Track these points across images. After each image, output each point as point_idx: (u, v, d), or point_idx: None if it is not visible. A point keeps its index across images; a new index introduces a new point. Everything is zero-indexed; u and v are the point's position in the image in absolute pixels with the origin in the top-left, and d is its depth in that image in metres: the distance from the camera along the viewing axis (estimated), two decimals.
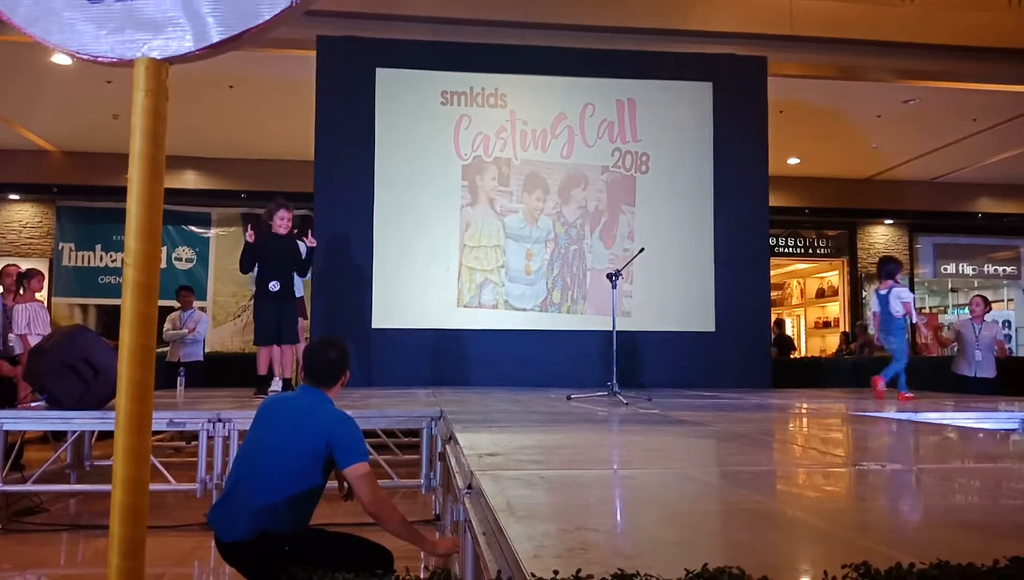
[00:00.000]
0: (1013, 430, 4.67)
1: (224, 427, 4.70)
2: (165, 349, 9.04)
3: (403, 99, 8.16)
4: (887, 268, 6.84)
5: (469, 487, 2.19)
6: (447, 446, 3.38)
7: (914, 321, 6.74)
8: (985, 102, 10.16)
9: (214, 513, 2.81)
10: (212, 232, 12.76)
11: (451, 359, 7.76)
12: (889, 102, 10.34)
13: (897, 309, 6.49)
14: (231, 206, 12.64)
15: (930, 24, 8.76)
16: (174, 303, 9.27)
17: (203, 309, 12.24)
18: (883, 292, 6.69)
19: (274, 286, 5.86)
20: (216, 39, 1.29)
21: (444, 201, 8.13)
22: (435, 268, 8.00)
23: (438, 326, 7.88)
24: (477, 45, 8.25)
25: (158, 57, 1.32)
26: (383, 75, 8.13)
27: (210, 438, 4.73)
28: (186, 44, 1.30)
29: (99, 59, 1.34)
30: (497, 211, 8.20)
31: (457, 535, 2.49)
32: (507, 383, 7.51)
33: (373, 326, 7.79)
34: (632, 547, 1.43)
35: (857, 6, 8.76)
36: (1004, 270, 15.47)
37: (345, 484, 3.17)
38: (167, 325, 8.83)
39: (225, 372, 8.97)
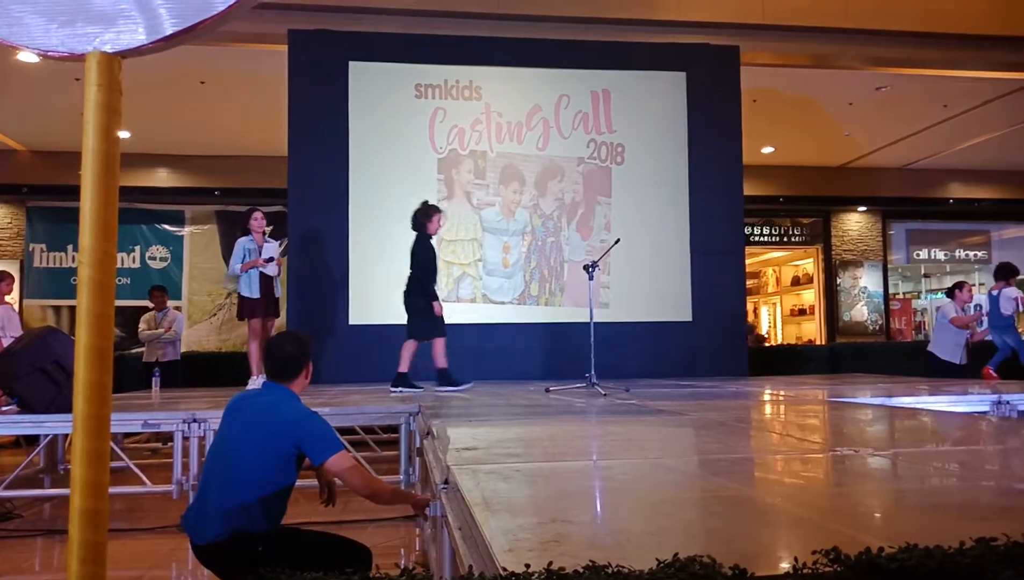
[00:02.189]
0: (984, 412, 4.74)
1: (200, 427, 4.65)
2: (141, 350, 8.94)
3: (377, 92, 8.10)
4: (1002, 271, 7.61)
5: (446, 482, 2.19)
6: (425, 441, 3.37)
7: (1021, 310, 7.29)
8: (955, 88, 10.27)
9: (187, 517, 2.78)
10: (186, 230, 12.62)
11: (430, 354, 7.72)
12: (861, 90, 10.43)
13: (1006, 308, 6.97)
14: (205, 204, 12.51)
15: (901, 11, 8.83)
16: (148, 303, 9.16)
17: (178, 309, 12.12)
18: (995, 293, 7.34)
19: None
20: (169, 31, 1.26)
21: (420, 195, 8.04)
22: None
23: None
24: (451, 37, 8.20)
25: (110, 51, 1.29)
26: (356, 68, 8.07)
27: (186, 439, 4.68)
28: (139, 37, 1.27)
29: (49, 53, 1.31)
30: (473, 204, 8.18)
31: (436, 530, 2.48)
32: (486, 377, 7.50)
33: (350, 322, 7.75)
34: (607, 538, 1.42)
35: None
36: (975, 255, 15.69)
37: (325, 490, 3.14)
38: (142, 325, 8.73)
39: (202, 372, 8.91)
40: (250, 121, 10.46)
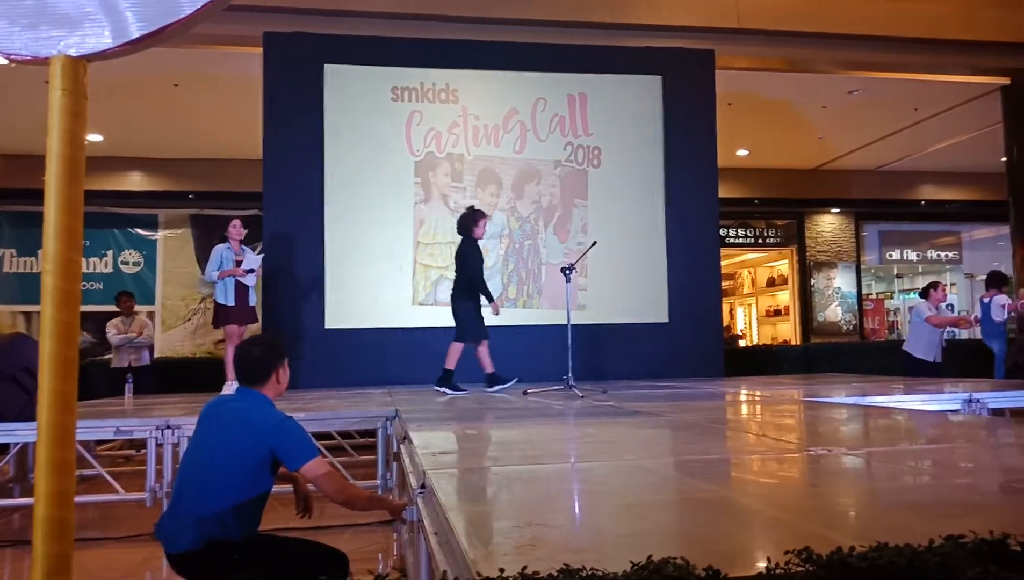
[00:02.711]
0: (956, 411, 4.81)
1: (174, 434, 4.60)
2: (109, 356, 8.82)
3: (353, 95, 8.06)
4: (993, 279, 7.86)
5: (422, 487, 2.17)
6: (402, 446, 3.35)
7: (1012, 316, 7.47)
8: (926, 92, 10.43)
9: (161, 525, 2.74)
10: (160, 234, 12.48)
11: (407, 358, 7.69)
12: (834, 93, 10.56)
13: (997, 315, 7.09)
14: (179, 207, 12.39)
15: (873, 16, 8.95)
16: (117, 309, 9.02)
17: (151, 314, 11.98)
18: (985, 300, 7.55)
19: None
20: (136, 35, 1.25)
21: (397, 198, 8.07)
22: (389, 266, 7.94)
23: (393, 325, 7.82)
24: (427, 40, 8.19)
25: (75, 54, 1.27)
26: (332, 71, 8.03)
27: (159, 446, 4.63)
28: (104, 40, 1.25)
29: (12, 57, 1.28)
30: (451, 207, 8.16)
31: (413, 535, 2.47)
32: (464, 380, 7.47)
33: (326, 327, 7.70)
34: (582, 541, 1.42)
35: None
36: (946, 255, 15.92)
37: (301, 501, 3.12)
38: (111, 331, 8.58)
39: (175, 377, 8.79)
40: (225, 124, 10.38)
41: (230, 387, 6.35)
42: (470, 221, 6.25)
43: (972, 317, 8.17)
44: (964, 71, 9.83)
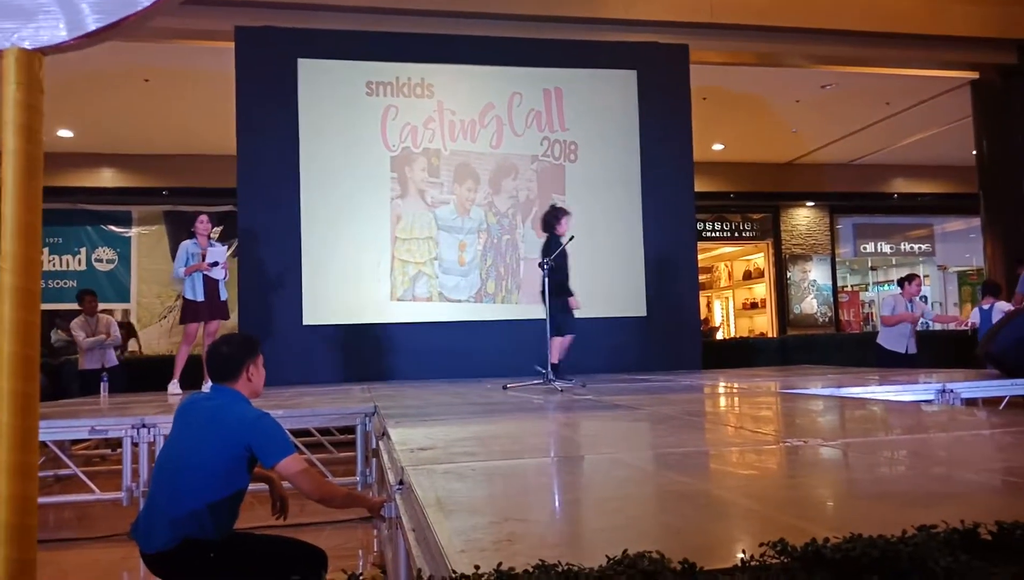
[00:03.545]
0: (930, 401, 4.87)
1: (150, 433, 4.54)
2: (74, 357, 8.66)
3: (327, 90, 8.00)
4: (991, 287, 8.06)
5: (401, 483, 2.16)
6: (380, 442, 3.34)
7: None
8: (897, 86, 10.55)
9: (136, 524, 2.71)
10: (134, 231, 12.33)
11: (386, 354, 7.68)
12: (807, 87, 10.65)
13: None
14: (152, 204, 12.25)
15: (845, 10, 9.03)
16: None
17: (127, 311, 11.85)
18: (986, 307, 7.63)
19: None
20: (93, 27, 1.22)
21: (373, 194, 8.02)
22: (366, 262, 7.90)
23: (371, 321, 7.78)
24: (402, 34, 8.14)
25: (29, 47, 1.24)
26: (305, 65, 7.96)
27: (135, 445, 4.57)
28: (60, 33, 1.22)
29: None
30: (428, 202, 8.14)
31: (392, 532, 2.46)
32: (443, 376, 7.48)
33: (304, 323, 7.65)
34: (559, 536, 1.42)
35: None
36: (919, 248, 16.14)
37: (277, 502, 3.09)
38: (79, 333, 8.38)
39: (151, 376, 8.66)
40: (197, 119, 10.27)
41: (175, 386, 6.34)
42: (553, 219, 6.38)
43: (969, 323, 8.28)
44: (934, 66, 9.95)
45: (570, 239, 6.35)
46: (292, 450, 2.71)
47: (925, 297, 15.62)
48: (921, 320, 8.07)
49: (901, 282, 8.10)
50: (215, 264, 6.39)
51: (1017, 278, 8.58)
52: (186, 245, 6.48)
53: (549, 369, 5.93)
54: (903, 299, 8.01)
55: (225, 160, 8.78)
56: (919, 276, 8.34)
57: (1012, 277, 9.45)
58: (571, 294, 6.34)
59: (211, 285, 6.43)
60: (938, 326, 10.31)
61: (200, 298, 6.38)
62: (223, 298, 6.55)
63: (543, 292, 6.30)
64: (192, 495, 2.61)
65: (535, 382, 5.79)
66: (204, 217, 6.58)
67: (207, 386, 5.83)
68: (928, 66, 9.94)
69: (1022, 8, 9.55)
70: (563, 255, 6.30)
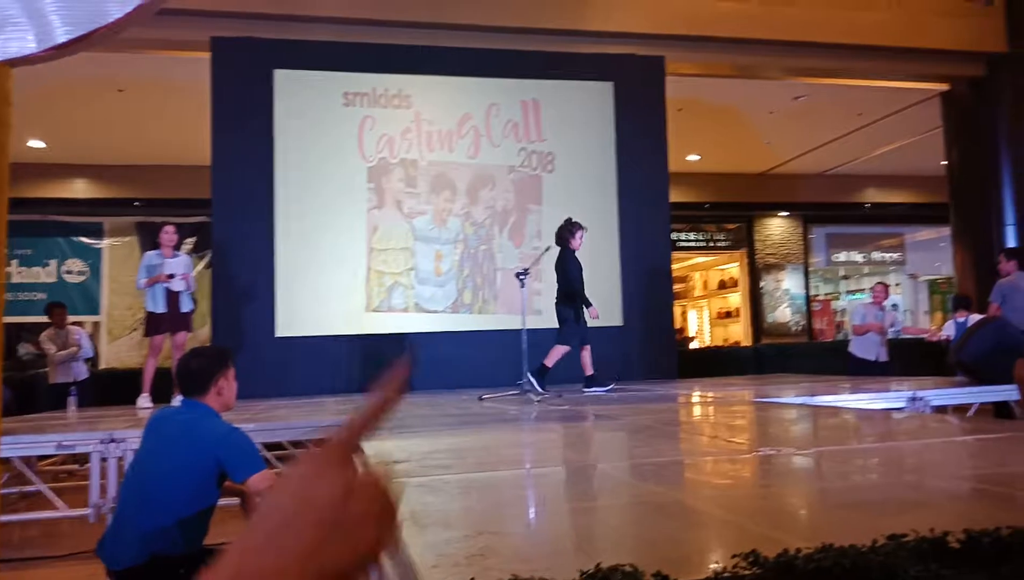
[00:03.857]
0: (901, 409, 4.92)
1: (118, 448, 4.47)
2: (43, 370, 8.52)
3: (303, 101, 7.97)
4: (962, 301, 8.20)
5: None
6: (354, 455, 3.30)
7: None
8: (869, 98, 10.71)
9: (103, 542, 2.66)
10: (105, 242, 12.17)
11: (361, 365, 7.63)
12: (780, 99, 10.78)
13: None
14: (125, 215, 12.10)
15: (818, 23, 9.16)
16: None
17: (97, 324, 11.68)
18: (960, 320, 7.74)
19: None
20: (62, 39, 1.20)
21: (350, 204, 7.99)
22: (342, 273, 7.85)
23: (347, 332, 7.73)
24: (378, 45, 8.14)
25: None
26: (282, 76, 7.93)
27: (103, 460, 4.49)
28: (29, 45, 1.20)
29: None
30: (405, 213, 8.12)
31: None
32: (420, 387, 7.44)
33: (277, 335, 7.58)
34: (532, 549, 1.41)
35: (748, 6, 9.08)
36: (891, 257, 16.36)
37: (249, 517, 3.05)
38: (50, 346, 8.25)
39: (121, 389, 8.53)
40: (172, 130, 10.18)
41: (144, 400, 6.26)
42: (567, 233, 6.53)
43: (944, 336, 8.39)
44: (905, 77, 10.11)
45: (547, 249, 6.37)
46: (263, 466, 2.67)
47: (896, 305, 15.83)
48: (891, 329, 8.17)
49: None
50: (171, 276, 6.30)
51: (995, 280, 8.72)
52: (148, 256, 6.40)
53: (526, 378, 6.00)
54: (873, 308, 8.11)
55: (199, 171, 8.71)
56: (884, 284, 8.46)
57: (981, 286, 9.60)
58: (589, 304, 6.46)
59: (172, 297, 6.34)
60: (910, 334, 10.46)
61: (161, 310, 6.29)
62: (185, 310, 6.45)
63: (556, 303, 6.58)
64: (161, 510, 2.57)
65: (511, 393, 5.78)
66: (170, 228, 6.51)
67: (177, 400, 5.76)
68: (899, 78, 10.11)
69: (991, 22, 9.75)
70: (578, 267, 6.45)
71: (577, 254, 6.50)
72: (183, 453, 2.64)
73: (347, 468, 0.58)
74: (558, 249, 6.58)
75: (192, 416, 2.77)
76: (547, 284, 8.20)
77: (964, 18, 9.73)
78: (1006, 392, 4.70)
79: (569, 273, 6.44)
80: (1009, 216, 9.53)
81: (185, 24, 7.64)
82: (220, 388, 2.84)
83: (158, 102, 9.47)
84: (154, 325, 6.35)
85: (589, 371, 6.46)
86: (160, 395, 6.47)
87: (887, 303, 8.40)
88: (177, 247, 6.60)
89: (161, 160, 11.60)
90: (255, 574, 0.51)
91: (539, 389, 6.02)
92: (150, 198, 11.88)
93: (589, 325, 6.59)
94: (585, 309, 6.45)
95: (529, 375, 6.14)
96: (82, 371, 8.37)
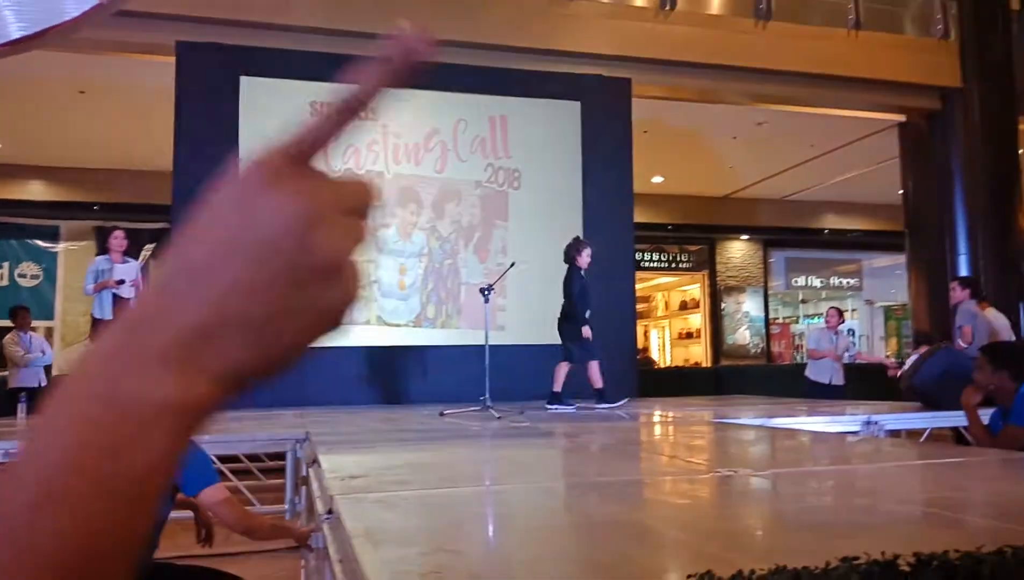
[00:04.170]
0: (856, 432, 5.00)
1: None
2: (4, 373, 8.30)
3: (269, 109, 7.88)
4: (923, 337, 8.45)
5: (329, 512, 2.11)
6: (310, 469, 3.26)
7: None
8: (829, 126, 10.96)
9: None
10: (60, 246, 11.91)
11: (320, 378, 7.50)
12: (743, 124, 10.98)
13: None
14: (82, 219, 11.86)
15: (779, 51, 9.36)
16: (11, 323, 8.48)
17: (50, 329, 11.41)
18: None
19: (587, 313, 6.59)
20: (16, 35, 1.18)
21: None
22: None
23: None
24: (347, 56, 7.94)
25: None
26: (248, 83, 7.85)
27: None
28: None
29: None
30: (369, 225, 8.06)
31: (320, 562, 2.39)
32: (380, 401, 7.38)
33: None
34: (487, 567, 1.40)
35: (714, 32, 9.25)
36: (848, 282, 16.69)
37: (203, 530, 2.98)
38: (17, 349, 8.04)
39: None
40: (134, 134, 10.02)
41: None
42: (573, 251, 6.70)
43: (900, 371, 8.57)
44: (864, 107, 10.37)
45: (511, 265, 6.37)
46: (216, 479, 2.62)
47: (853, 330, 16.14)
48: (846, 354, 8.31)
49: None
50: (121, 282, 6.15)
51: (947, 307, 8.91)
52: (97, 261, 6.25)
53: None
54: (827, 332, 8.27)
55: (161, 176, 8.56)
56: (837, 309, 8.63)
57: (934, 313, 9.85)
58: (584, 323, 6.54)
59: (120, 304, 6.19)
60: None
61: (108, 317, 6.14)
62: None
63: (560, 320, 6.72)
64: None
65: (473, 409, 5.76)
66: (119, 233, 6.37)
67: None
68: (858, 108, 10.36)
69: (946, 58, 10.06)
70: (583, 286, 6.61)
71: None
72: None
73: (308, 182, 0.38)
74: (519, 262, 6.71)
75: None
76: (511, 300, 8.23)
77: (920, 52, 10.02)
78: (956, 418, 4.80)
79: (571, 291, 6.60)
80: (962, 245, 9.79)
81: (150, 27, 7.55)
82: None
83: (120, 105, 9.32)
84: (100, 332, 6.19)
85: (598, 385, 6.63)
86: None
87: (841, 328, 8.56)
88: (128, 253, 6.44)
89: (122, 164, 11.40)
90: (170, 343, 0.34)
91: (564, 408, 6.27)
92: (109, 202, 11.66)
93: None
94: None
95: (548, 406, 6.32)
96: (38, 377, 8.14)
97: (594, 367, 6.56)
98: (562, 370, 6.54)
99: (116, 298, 6.15)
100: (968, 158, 9.89)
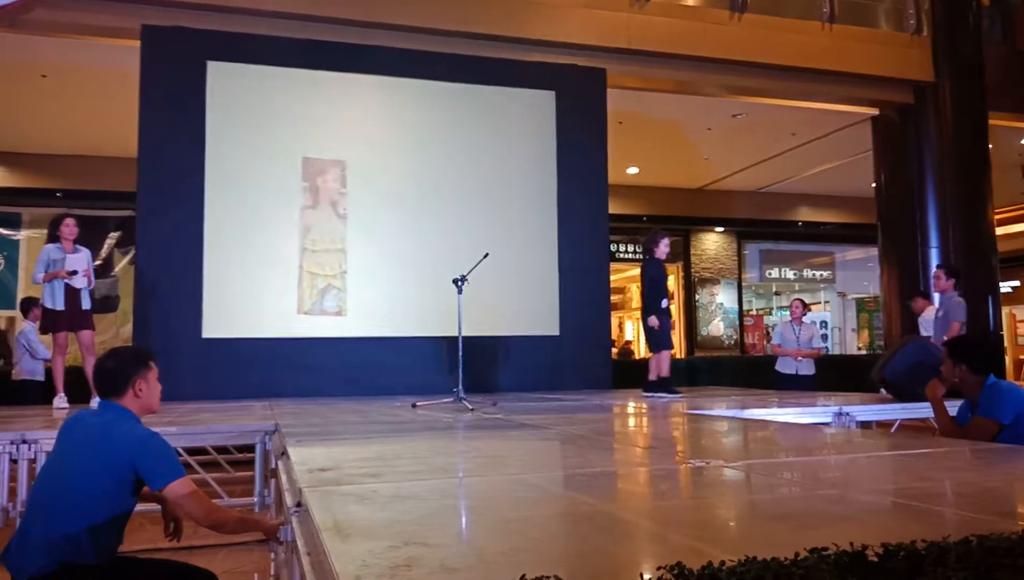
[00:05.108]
0: (827, 423, 5.05)
1: (30, 449, 4.25)
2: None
3: (237, 95, 7.74)
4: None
5: (298, 505, 2.08)
6: (279, 462, 3.21)
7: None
8: (804, 119, 11.02)
9: (8, 550, 2.51)
10: (23, 234, 11.67)
11: (291, 369, 7.43)
12: (719, 116, 11.00)
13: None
14: (45, 206, 11.59)
15: (757, 44, 9.39)
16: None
17: (12, 318, 11.21)
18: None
19: (664, 302, 6.66)
20: None
21: (283, 203, 7.79)
22: (273, 273, 7.65)
23: (277, 334, 7.52)
24: (317, 42, 7.97)
25: None
26: (215, 68, 7.69)
27: (13, 461, 4.27)
28: None
29: None
30: (339, 213, 7.97)
31: (288, 555, 2.36)
32: (352, 393, 7.30)
33: (204, 336, 7.33)
34: (458, 560, 1.38)
35: (690, 23, 9.25)
36: (821, 274, 16.86)
37: (170, 523, 2.93)
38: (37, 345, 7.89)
39: (35, 389, 8.16)
40: (98, 119, 9.82)
41: (61, 401, 5.98)
42: (651, 242, 6.79)
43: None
44: (837, 101, 10.45)
45: (484, 256, 6.33)
46: (182, 472, 2.56)
47: (825, 322, 16.33)
48: (809, 343, 8.33)
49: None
50: (74, 272, 6.00)
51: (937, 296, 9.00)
52: (48, 249, 6.06)
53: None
54: (792, 324, 8.35)
55: (126, 162, 8.40)
56: (801, 300, 8.70)
57: (905, 305, 9.97)
58: (651, 312, 6.64)
59: (72, 293, 6.03)
60: (837, 349, 10.75)
61: (60, 307, 5.97)
62: (86, 307, 6.13)
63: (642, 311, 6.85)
64: (71, 517, 2.43)
65: (445, 400, 5.73)
66: (70, 221, 6.16)
67: (95, 402, 5.53)
68: (832, 101, 10.43)
69: (919, 53, 10.16)
70: (657, 277, 6.68)
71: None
72: (96, 457, 2.51)
73: None
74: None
75: (109, 419, 2.64)
76: (484, 291, 8.16)
77: (894, 47, 10.11)
78: (926, 409, 4.86)
79: (645, 281, 6.77)
80: (933, 239, 9.91)
81: (115, 10, 7.38)
82: (138, 389, 2.71)
83: (84, 90, 9.12)
84: (51, 322, 6.00)
85: (664, 373, 6.68)
86: (73, 395, 6.18)
87: (808, 319, 8.64)
88: (80, 241, 6.26)
89: (86, 150, 11.18)
90: None
91: (671, 396, 6.39)
92: (73, 189, 11.42)
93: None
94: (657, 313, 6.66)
95: (654, 394, 6.47)
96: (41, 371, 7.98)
97: (663, 356, 6.69)
98: (653, 359, 6.71)
99: (68, 288, 5.99)
100: (940, 152, 10.01)
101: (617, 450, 3.20)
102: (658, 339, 6.67)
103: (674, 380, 6.82)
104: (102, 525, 2.48)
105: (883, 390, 6.20)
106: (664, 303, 6.65)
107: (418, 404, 5.69)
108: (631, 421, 4.77)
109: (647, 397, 6.46)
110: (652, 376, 6.64)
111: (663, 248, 6.75)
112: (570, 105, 8.69)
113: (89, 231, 6.24)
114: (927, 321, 8.65)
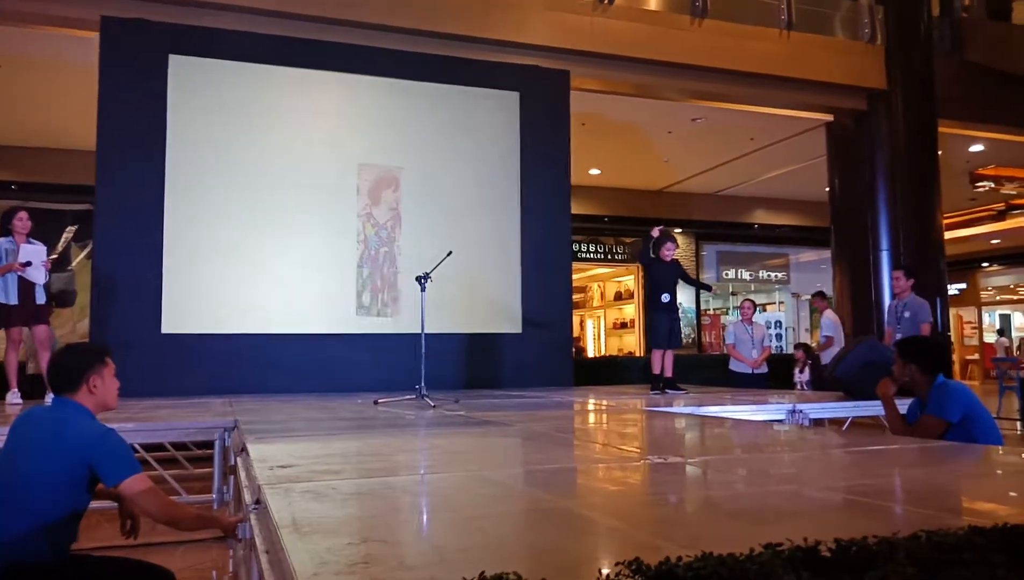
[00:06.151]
0: (781, 420, 5.15)
1: None
2: None
3: (199, 89, 7.63)
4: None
5: (257, 502, 2.07)
6: (239, 458, 3.19)
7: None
8: (761, 124, 11.21)
9: None
10: None
11: (252, 366, 7.35)
12: (679, 120, 11.14)
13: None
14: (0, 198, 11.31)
15: (716, 49, 9.52)
16: None
17: None
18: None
19: (666, 298, 6.86)
20: None
21: (244, 198, 7.71)
22: (234, 268, 7.56)
23: (238, 330, 7.43)
24: (281, 38, 7.89)
25: None
26: (177, 62, 7.57)
27: None
28: None
29: None
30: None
31: (246, 552, 2.34)
32: (314, 390, 7.25)
33: (163, 331, 7.22)
34: (417, 557, 1.39)
35: (651, 28, 9.34)
36: (776, 276, 17.16)
37: (127, 521, 2.88)
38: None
39: None
40: (55, 111, 9.60)
41: (13, 396, 5.85)
42: (659, 243, 6.97)
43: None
44: (793, 106, 10.65)
45: (448, 254, 6.32)
46: (138, 469, 2.52)
47: (780, 322, 16.59)
48: (760, 342, 8.52)
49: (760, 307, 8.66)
50: (27, 264, 5.86)
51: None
52: (0, 242, 5.93)
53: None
54: (742, 324, 8.51)
55: (84, 155, 8.23)
56: (751, 300, 8.88)
57: (857, 306, 10.21)
58: (652, 310, 6.97)
59: (26, 287, 5.90)
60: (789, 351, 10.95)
61: (13, 301, 5.83)
62: (40, 302, 6.01)
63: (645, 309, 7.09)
64: (22, 515, 2.38)
65: (408, 397, 5.72)
66: (23, 214, 6.04)
67: (49, 398, 5.41)
68: (789, 106, 10.63)
69: (872, 61, 10.39)
70: (663, 275, 6.89)
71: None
72: (49, 455, 2.47)
73: None
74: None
75: (62, 416, 2.59)
76: (447, 288, 8.16)
77: (848, 55, 10.33)
78: (877, 407, 4.99)
79: (647, 280, 7.06)
80: (884, 242, 10.16)
81: (74, 1, 7.22)
82: (93, 386, 2.66)
83: (41, 81, 8.91)
84: (3, 317, 5.87)
85: (656, 370, 6.90)
86: (25, 392, 6.05)
87: (759, 319, 8.82)
88: (34, 235, 6.12)
89: (42, 142, 10.92)
90: None
91: (675, 392, 6.64)
92: (29, 182, 11.14)
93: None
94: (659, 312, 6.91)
95: (670, 391, 6.71)
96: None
97: (667, 355, 6.90)
98: (657, 356, 6.92)
99: (22, 282, 5.85)
100: (891, 158, 10.25)
101: (577, 446, 3.24)
102: (656, 335, 6.95)
103: (656, 379, 7.00)
104: (55, 523, 2.43)
105: (835, 388, 6.33)
106: (666, 298, 6.90)
107: (380, 401, 5.67)
108: (591, 418, 4.81)
109: (670, 394, 6.68)
110: (669, 373, 6.90)
111: (667, 250, 6.95)
112: (534, 106, 8.73)
113: (46, 225, 6.09)
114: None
